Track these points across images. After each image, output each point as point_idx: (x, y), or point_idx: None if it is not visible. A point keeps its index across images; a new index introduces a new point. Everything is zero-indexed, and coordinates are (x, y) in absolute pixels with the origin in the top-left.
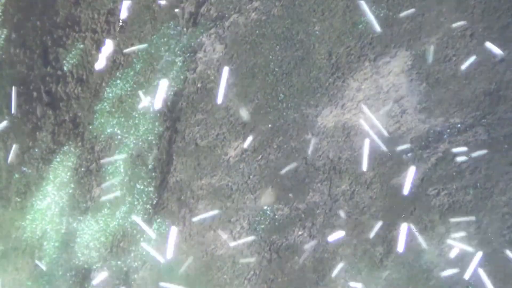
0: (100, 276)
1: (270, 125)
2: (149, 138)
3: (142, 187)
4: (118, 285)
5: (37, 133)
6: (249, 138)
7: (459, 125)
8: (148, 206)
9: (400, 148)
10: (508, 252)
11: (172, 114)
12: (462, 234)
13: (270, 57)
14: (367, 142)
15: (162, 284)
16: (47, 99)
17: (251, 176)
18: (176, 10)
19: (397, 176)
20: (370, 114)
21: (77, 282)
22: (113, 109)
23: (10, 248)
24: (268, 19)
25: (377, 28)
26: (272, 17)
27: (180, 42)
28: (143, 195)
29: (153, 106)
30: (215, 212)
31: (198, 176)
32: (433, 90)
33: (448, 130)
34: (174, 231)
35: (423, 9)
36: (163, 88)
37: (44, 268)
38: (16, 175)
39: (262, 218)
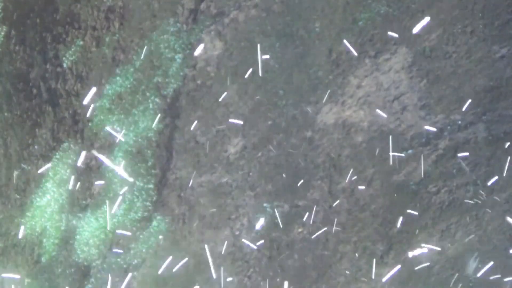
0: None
1: (270, 122)
2: (149, 135)
3: (141, 184)
4: (118, 282)
5: (37, 130)
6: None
7: (459, 122)
8: (147, 203)
9: (401, 145)
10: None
11: (171, 111)
12: (462, 231)
13: (270, 54)
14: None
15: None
16: (47, 96)
17: (250, 173)
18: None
19: (398, 173)
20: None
21: (76, 280)
22: (113, 106)
23: (10, 245)
24: (268, 16)
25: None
26: (272, 13)
27: (179, 39)
28: (143, 192)
29: None
30: None
31: (197, 173)
32: (433, 87)
33: (449, 127)
34: None
35: (423, 6)
36: None
37: None
38: (16, 172)
39: (262, 216)
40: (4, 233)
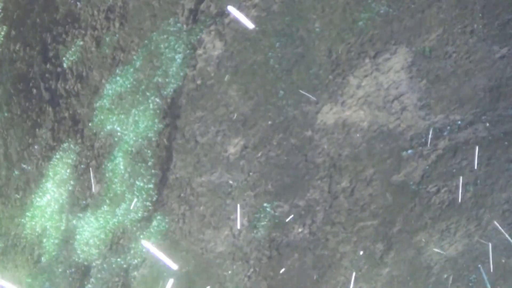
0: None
1: (270, 122)
2: (149, 135)
3: (142, 184)
4: (118, 282)
5: (37, 130)
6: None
7: (459, 122)
8: (148, 203)
9: (400, 145)
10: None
11: (171, 111)
12: (462, 231)
13: (270, 54)
14: None
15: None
16: (47, 96)
17: (251, 173)
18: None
19: (397, 173)
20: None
21: (76, 279)
22: (113, 106)
23: (10, 245)
24: (268, 16)
25: None
26: (272, 13)
27: (179, 39)
28: (143, 192)
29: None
30: None
31: (198, 173)
32: (433, 87)
33: (449, 127)
34: None
35: (423, 6)
36: None
37: None
38: (16, 172)
39: (262, 215)
40: (4, 233)
